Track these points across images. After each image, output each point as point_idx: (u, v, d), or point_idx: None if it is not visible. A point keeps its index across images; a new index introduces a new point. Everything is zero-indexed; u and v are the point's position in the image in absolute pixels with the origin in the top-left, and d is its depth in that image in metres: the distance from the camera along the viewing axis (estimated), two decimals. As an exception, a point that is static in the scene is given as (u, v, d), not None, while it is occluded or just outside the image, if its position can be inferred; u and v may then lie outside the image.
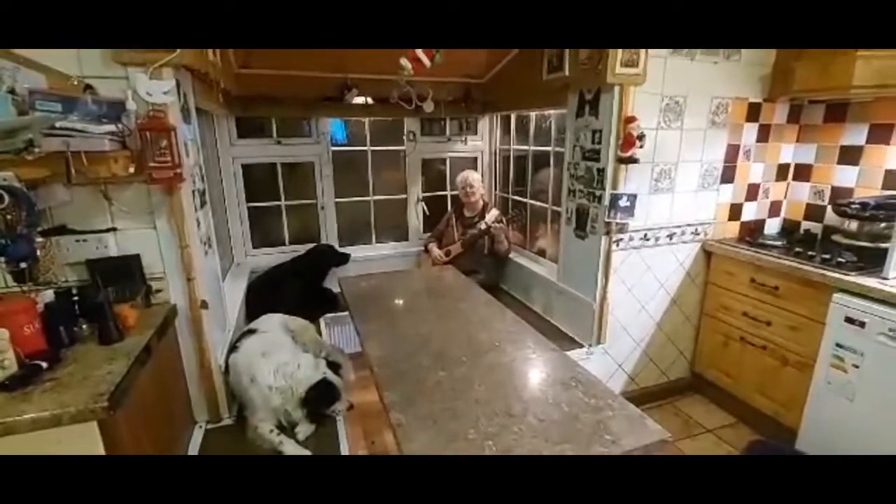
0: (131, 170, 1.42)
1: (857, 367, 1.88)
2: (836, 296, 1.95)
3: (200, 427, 1.83)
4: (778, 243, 2.46)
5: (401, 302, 2.10)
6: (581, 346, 2.53)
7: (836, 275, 1.97)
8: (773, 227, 2.81)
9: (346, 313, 2.04)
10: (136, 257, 1.61)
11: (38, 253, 1.42)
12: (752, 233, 2.68)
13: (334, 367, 1.90)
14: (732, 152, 2.53)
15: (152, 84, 1.46)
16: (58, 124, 1.29)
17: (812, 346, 2.07)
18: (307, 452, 1.63)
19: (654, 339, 2.66)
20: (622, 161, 2.19)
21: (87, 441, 1.10)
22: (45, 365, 1.21)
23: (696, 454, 2.32)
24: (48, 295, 1.40)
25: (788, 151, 2.70)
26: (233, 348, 1.90)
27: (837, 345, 1.94)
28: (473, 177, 3.27)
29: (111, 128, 1.37)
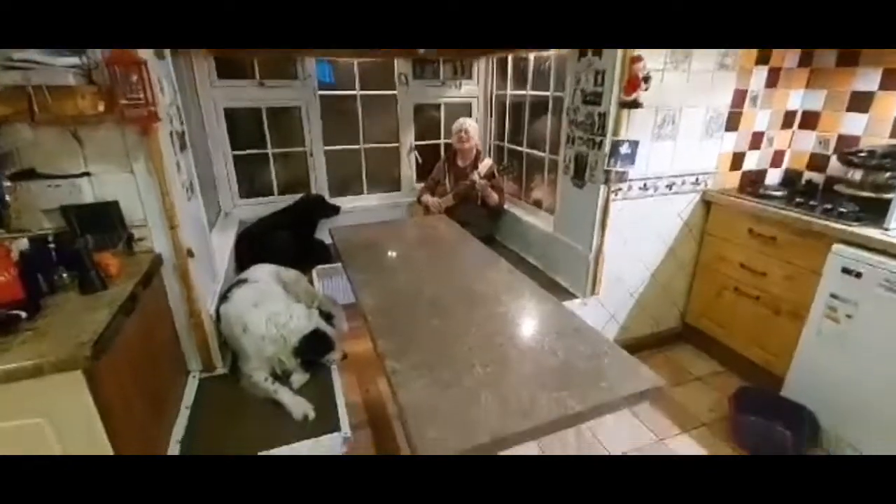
0: (101, 108, 1.32)
1: (850, 317, 1.89)
2: (836, 246, 1.92)
3: (194, 377, 1.82)
4: (778, 193, 2.41)
5: (394, 252, 2.06)
6: (575, 296, 2.52)
7: (837, 225, 1.94)
8: (774, 177, 2.75)
9: (338, 265, 1.99)
10: (115, 204, 1.53)
11: (8, 198, 1.34)
12: (752, 183, 2.63)
13: (327, 317, 1.88)
14: (739, 98, 2.43)
15: (117, 11, 1.33)
16: (14, 55, 1.18)
17: (806, 296, 2.07)
18: (302, 400, 1.64)
19: (648, 289, 2.66)
20: (625, 105, 2.09)
21: (74, 392, 1.07)
22: (24, 315, 1.16)
23: (684, 403, 2.38)
24: (23, 243, 1.33)
25: (797, 98, 2.59)
26: (223, 298, 1.87)
27: (832, 295, 1.94)
28: (470, 123, 3.14)
29: (74, 60, 1.26)
